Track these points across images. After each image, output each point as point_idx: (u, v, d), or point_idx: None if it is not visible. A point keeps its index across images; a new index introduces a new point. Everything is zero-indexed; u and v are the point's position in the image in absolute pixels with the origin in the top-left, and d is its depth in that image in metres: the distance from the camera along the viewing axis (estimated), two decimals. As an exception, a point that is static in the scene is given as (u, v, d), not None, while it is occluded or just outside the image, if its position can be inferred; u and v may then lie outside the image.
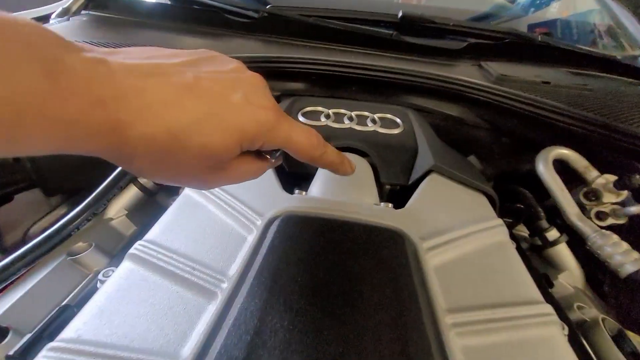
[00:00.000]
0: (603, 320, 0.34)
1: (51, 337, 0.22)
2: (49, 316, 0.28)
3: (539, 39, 0.81)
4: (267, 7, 0.85)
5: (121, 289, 0.24)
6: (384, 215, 0.31)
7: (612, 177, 0.47)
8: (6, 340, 0.27)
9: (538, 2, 1.40)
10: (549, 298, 0.36)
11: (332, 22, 0.77)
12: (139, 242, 0.28)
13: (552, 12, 1.32)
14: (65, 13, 0.98)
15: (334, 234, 0.28)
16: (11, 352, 0.24)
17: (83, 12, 1.00)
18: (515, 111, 0.54)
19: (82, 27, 0.87)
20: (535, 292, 0.27)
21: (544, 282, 0.38)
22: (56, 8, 1.03)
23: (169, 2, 0.98)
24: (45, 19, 1.01)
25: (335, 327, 0.20)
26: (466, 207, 0.35)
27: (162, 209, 0.45)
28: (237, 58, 0.45)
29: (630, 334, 0.32)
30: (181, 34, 0.82)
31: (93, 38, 0.77)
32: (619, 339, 0.31)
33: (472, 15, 1.13)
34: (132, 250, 0.27)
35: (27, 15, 1.01)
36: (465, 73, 0.67)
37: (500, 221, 0.34)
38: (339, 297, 0.22)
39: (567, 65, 0.79)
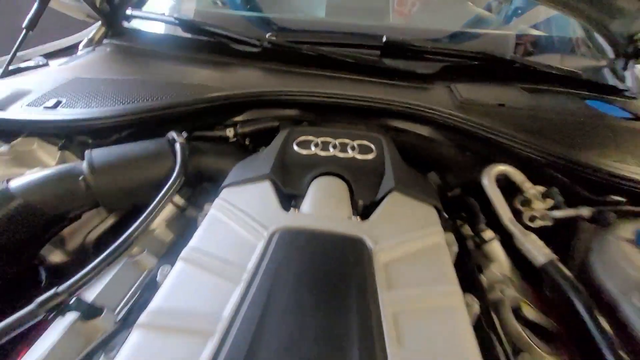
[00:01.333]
0: (514, 299, 0.47)
1: (139, 312, 0.36)
2: (133, 298, 0.43)
3: (509, 58, 0.93)
4: (267, 36, 0.97)
5: (179, 281, 0.38)
6: (351, 227, 0.44)
7: (541, 188, 0.59)
8: (102, 315, 0.41)
9: (519, 11, 1.51)
10: (476, 281, 0.49)
11: (323, 50, 0.89)
12: (186, 248, 0.42)
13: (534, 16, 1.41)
14: (90, 43, 1.11)
15: (316, 242, 0.41)
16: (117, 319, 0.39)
17: (105, 41, 1.12)
18: (470, 133, 0.66)
19: (105, 57, 0.99)
20: (452, 277, 0.40)
21: (476, 270, 0.51)
22: (81, 38, 1.17)
23: (182, 30, 1.10)
24: (74, 47, 1.14)
25: (314, 303, 0.34)
26: (415, 217, 0.48)
27: (191, 220, 0.59)
28: (242, 95, 0.59)
29: (527, 307, 0.45)
30: (192, 63, 0.95)
31: (114, 67, 0.91)
32: (517, 310, 0.44)
33: (455, 31, 1.24)
34: (182, 254, 0.41)
35: (59, 45, 1.14)
36: (436, 96, 0.79)
37: (438, 227, 0.47)
38: (317, 285, 0.36)
39: (532, 82, 0.91)
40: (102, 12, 1.10)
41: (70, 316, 0.41)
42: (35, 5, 0.91)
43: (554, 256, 0.49)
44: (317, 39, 0.98)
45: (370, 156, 0.58)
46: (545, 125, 0.68)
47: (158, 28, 1.26)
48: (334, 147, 0.60)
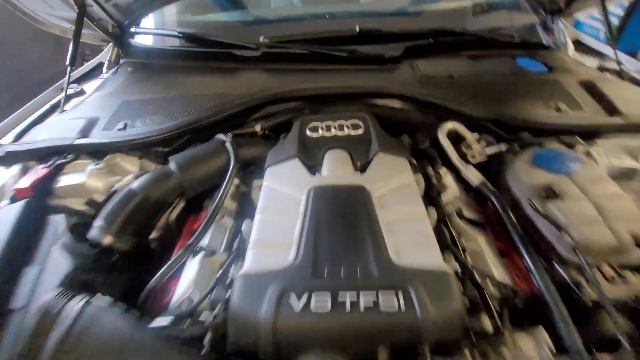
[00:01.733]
0: (458, 207, 0.76)
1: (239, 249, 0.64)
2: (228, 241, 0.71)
3: (458, 30, 1.16)
4: (261, 39, 1.18)
5: (262, 223, 0.65)
6: (354, 179, 0.72)
7: (476, 135, 0.87)
8: (219, 253, 0.69)
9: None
10: (436, 200, 0.78)
11: (310, 48, 1.12)
12: (258, 207, 0.69)
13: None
14: (110, 64, 1.31)
15: (336, 191, 0.69)
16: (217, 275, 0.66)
17: (121, 60, 1.32)
18: (428, 102, 0.92)
19: (132, 78, 1.19)
20: (419, 200, 0.69)
21: (437, 194, 0.80)
22: (96, 61, 1.36)
23: (185, 41, 1.29)
24: (96, 69, 1.34)
25: (340, 221, 0.62)
26: (394, 167, 0.76)
27: (245, 193, 0.85)
28: (263, 97, 0.83)
29: (466, 210, 0.75)
30: (203, 73, 1.17)
31: (146, 86, 1.12)
32: (459, 212, 0.74)
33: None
34: (258, 210, 0.68)
35: (85, 69, 1.33)
36: (402, 75, 1.04)
37: (409, 172, 0.75)
38: (341, 213, 0.64)
39: (478, 49, 1.15)
40: (114, 36, 1.28)
41: (200, 255, 0.69)
42: (72, 45, 1.10)
43: (484, 179, 0.78)
44: (303, 37, 1.20)
45: (360, 131, 0.85)
46: (481, 89, 0.94)
47: (159, 40, 1.44)
48: (335, 128, 0.86)
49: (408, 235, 0.61)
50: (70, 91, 1.18)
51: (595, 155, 0.78)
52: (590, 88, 0.92)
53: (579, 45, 1.25)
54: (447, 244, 0.66)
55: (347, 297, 0.50)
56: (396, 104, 0.99)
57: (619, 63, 1.05)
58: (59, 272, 0.64)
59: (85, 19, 1.13)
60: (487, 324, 0.55)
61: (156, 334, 0.53)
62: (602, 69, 1.09)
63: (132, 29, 1.32)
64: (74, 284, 0.62)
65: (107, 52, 1.33)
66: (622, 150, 0.81)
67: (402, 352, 0.50)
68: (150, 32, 1.38)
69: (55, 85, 1.27)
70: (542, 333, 0.55)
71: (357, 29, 1.17)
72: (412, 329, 0.48)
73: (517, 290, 0.61)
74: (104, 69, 1.29)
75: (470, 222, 0.75)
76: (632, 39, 3.78)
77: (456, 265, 0.62)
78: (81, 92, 1.20)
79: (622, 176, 0.78)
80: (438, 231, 0.68)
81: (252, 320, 0.51)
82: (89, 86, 1.24)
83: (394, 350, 0.50)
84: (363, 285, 0.52)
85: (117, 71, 1.25)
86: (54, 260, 0.66)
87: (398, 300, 0.50)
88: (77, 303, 0.54)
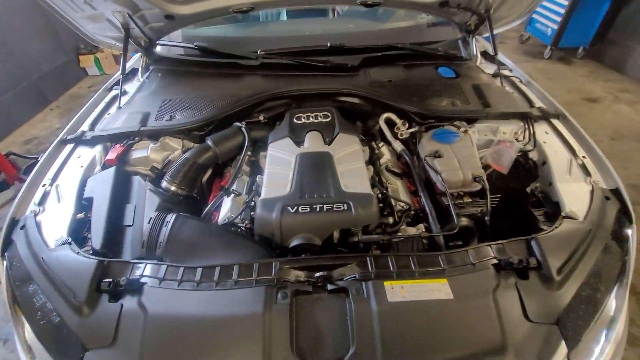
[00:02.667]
0: (387, 164, 1.26)
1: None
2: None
3: (400, 46, 1.63)
4: (259, 51, 1.62)
5: (270, 175, 1.12)
6: (324, 149, 1.19)
7: (405, 122, 1.35)
8: (241, 195, 1.16)
9: None
10: (375, 162, 1.26)
11: (296, 59, 1.57)
12: (266, 167, 1.15)
13: None
14: (143, 70, 1.71)
15: (312, 155, 1.16)
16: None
17: (151, 67, 1.73)
18: (374, 99, 1.39)
19: (165, 82, 1.61)
20: (362, 159, 1.16)
21: (376, 157, 1.28)
22: (129, 67, 1.75)
23: (200, 53, 1.71)
24: (131, 74, 1.74)
25: (315, 170, 1.10)
26: (348, 142, 1.23)
27: (255, 161, 1.32)
28: (266, 96, 1.30)
29: (392, 165, 1.24)
30: (214, 77, 1.60)
31: (178, 88, 1.54)
32: (387, 167, 1.23)
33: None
34: (266, 169, 1.15)
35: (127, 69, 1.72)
36: (359, 80, 1.51)
37: (358, 145, 1.22)
38: (316, 165, 1.12)
39: (411, 60, 1.62)
40: (145, 48, 1.70)
41: (231, 195, 1.16)
42: (122, 57, 1.51)
43: (404, 148, 1.27)
44: (291, 50, 1.64)
45: (328, 119, 1.32)
46: (409, 90, 1.42)
47: (179, 51, 1.85)
48: (312, 117, 1.32)
49: (352, 178, 1.09)
50: (116, 91, 1.59)
51: (470, 133, 1.28)
52: (477, 89, 1.41)
53: (487, 55, 1.74)
54: (376, 183, 1.15)
55: (318, 206, 0.98)
56: (355, 100, 1.46)
57: (498, 72, 1.55)
58: (153, 204, 1.09)
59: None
60: (390, 220, 1.05)
61: (220, 228, 1.00)
62: (495, 74, 1.58)
63: (159, 42, 1.73)
64: (164, 210, 1.08)
65: (139, 61, 1.74)
66: (489, 130, 1.32)
67: (346, 233, 0.98)
68: (171, 44, 1.78)
69: (103, 87, 1.66)
70: (421, 226, 1.06)
71: (329, 44, 1.62)
72: (350, 220, 0.97)
73: (410, 205, 1.10)
74: (139, 74, 1.70)
75: (394, 173, 1.25)
76: (573, 36, 4.37)
77: (379, 193, 1.11)
78: (125, 92, 1.61)
79: (486, 144, 1.29)
80: (373, 178, 1.16)
81: (268, 220, 0.98)
82: (129, 87, 1.65)
83: (342, 232, 0.98)
84: (326, 200, 1.00)
85: (150, 76, 1.67)
86: (148, 198, 1.11)
87: (343, 206, 0.98)
88: (173, 215, 1.00)
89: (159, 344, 0.76)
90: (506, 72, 1.65)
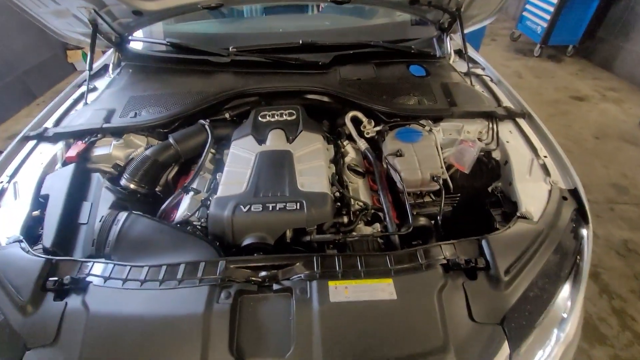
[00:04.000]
0: (350, 163, 1.25)
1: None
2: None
3: (372, 43, 1.62)
4: (230, 49, 1.60)
5: (228, 173, 1.11)
6: (285, 147, 1.18)
7: (371, 121, 1.34)
8: (201, 193, 1.15)
9: None
10: (339, 161, 1.26)
11: (267, 56, 1.55)
12: (226, 165, 1.15)
13: None
14: (114, 66, 1.70)
15: (272, 154, 1.15)
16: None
17: (122, 63, 1.71)
18: (342, 97, 1.38)
19: (134, 78, 1.60)
20: (323, 157, 1.16)
21: (340, 156, 1.28)
22: (102, 63, 1.74)
23: (172, 49, 1.69)
24: (103, 69, 1.72)
25: (273, 169, 1.09)
26: (311, 139, 1.23)
27: (219, 159, 1.31)
28: (233, 93, 1.28)
29: (354, 164, 1.23)
30: (190, 75, 1.58)
31: (147, 85, 1.53)
32: (350, 166, 1.22)
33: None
34: (225, 167, 1.14)
35: (95, 69, 1.71)
36: (329, 78, 1.50)
37: (321, 143, 1.21)
38: (274, 164, 1.11)
39: (382, 58, 1.61)
40: (116, 44, 1.68)
41: (191, 193, 1.15)
42: (89, 53, 1.49)
43: (368, 146, 1.26)
44: (262, 47, 1.63)
45: (293, 117, 1.31)
46: (378, 89, 1.41)
47: (151, 47, 1.83)
48: (277, 115, 1.31)
49: (310, 177, 1.09)
50: (83, 88, 1.58)
51: (435, 132, 1.27)
52: (445, 88, 1.40)
53: (461, 54, 1.73)
54: (335, 182, 1.14)
55: (271, 205, 0.98)
56: (323, 98, 1.45)
57: (469, 70, 1.55)
58: (108, 202, 1.08)
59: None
60: (345, 219, 1.04)
61: (171, 226, 0.99)
62: (467, 73, 1.57)
63: (130, 37, 1.71)
64: (118, 208, 1.07)
65: (111, 56, 1.72)
66: (454, 129, 1.31)
67: (301, 232, 0.98)
68: (144, 40, 1.76)
69: (72, 83, 1.65)
70: (377, 226, 1.05)
71: (300, 42, 1.61)
72: (302, 219, 0.96)
73: (367, 204, 1.10)
74: (110, 70, 1.68)
75: (356, 171, 1.24)
76: (562, 34, 4.36)
77: (336, 192, 1.11)
78: (94, 89, 1.59)
79: (450, 144, 1.29)
80: (333, 177, 1.16)
81: (220, 218, 0.97)
82: (99, 83, 1.63)
83: (296, 231, 0.98)
84: (280, 199, 1.00)
85: (120, 72, 1.65)
86: (103, 196, 1.10)
87: (296, 205, 0.97)
88: (124, 213, 0.99)
89: (99, 343, 0.76)
90: (478, 71, 1.65)
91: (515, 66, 4.46)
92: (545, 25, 4.36)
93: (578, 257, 0.96)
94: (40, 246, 0.99)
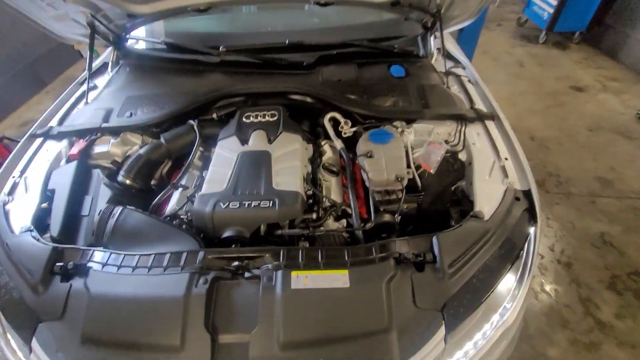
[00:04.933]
0: (327, 163, 1.35)
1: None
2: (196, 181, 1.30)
3: (356, 43, 1.68)
4: (220, 48, 1.68)
5: (212, 172, 1.23)
6: (265, 147, 1.29)
7: (348, 122, 1.43)
8: (188, 189, 1.28)
9: None
10: (317, 161, 1.36)
11: (254, 57, 1.63)
12: (211, 163, 1.26)
13: None
14: (113, 64, 1.80)
15: (252, 154, 1.26)
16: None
17: (121, 61, 1.81)
18: (323, 99, 1.47)
19: (132, 77, 1.70)
20: (300, 158, 1.26)
21: (318, 155, 1.38)
22: (101, 62, 1.85)
23: (167, 48, 1.78)
24: (103, 67, 1.83)
25: (252, 168, 1.20)
26: (290, 140, 1.33)
27: (207, 157, 1.43)
28: (219, 94, 1.38)
29: (329, 164, 1.33)
30: (182, 75, 1.68)
31: (142, 84, 1.63)
32: (325, 165, 1.33)
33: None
34: (210, 165, 1.26)
35: (95, 67, 1.82)
36: (312, 79, 1.58)
37: (299, 143, 1.31)
38: (253, 164, 1.22)
39: (364, 58, 1.68)
40: (114, 43, 1.78)
41: (179, 189, 1.28)
42: (89, 54, 1.60)
43: (343, 146, 1.36)
44: (251, 47, 1.70)
45: (275, 118, 1.41)
46: (357, 90, 1.49)
47: (148, 45, 1.92)
48: (260, 116, 1.42)
49: (284, 176, 1.20)
50: (84, 87, 1.69)
51: (406, 133, 1.36)
52: (421, 90, 1.47)
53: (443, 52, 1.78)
54: (308, 181, 1.25)
55: (247, 202, 1.10)
56: (306, 99, 1.54)
57: (445, 70, 1.61)
58: (105, 196, 1.22)
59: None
60: (314, 216, 1.16)
61: (160, 220, 1.13)
62: (448, 72, 1.63)
63: (127, 36, 1.81)
64: (114, 202, 1.20)
65: (110, 55, 1.82)
66: (425, 130, 1.39)
67: (274, 226, 1.10)
68: (140, 38, 1.86)
69: (74, 82, 1.76)
70: (343, 222, 1.17)
71: (287, 42, 1.68)
72: (273, 215, 1.08)
73: (337, 203, 1.21)
74: (109, 68, 1.79)
75: (330, 171, 1.35)
76: (569, 20, 4.27)
77: (308, 191, 1.22)
78: (95, 87, 1.71)
79: (420, 144, 1.37)
80: (308, 175, 1.27)
81: (202, 213, 1.10)
82: (100, 81, 1.75)
83: (269, 225, 1.10)
84: (255, 197, 1.11)
85: (119, 71, 1.76)
86: (102, 191, 1.24)
87: (269, 203, 1.09)
88: (119, 208, 1.13)
89: (98, 318, 0.91)
90: (459, 71, 1.70)
91: (519, 54, 4.39)
92: (551, 10, 4.25)
93: (522, 252, 1.06)
94: (48, 235, 1.14)
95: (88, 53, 1.60)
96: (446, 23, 1.64)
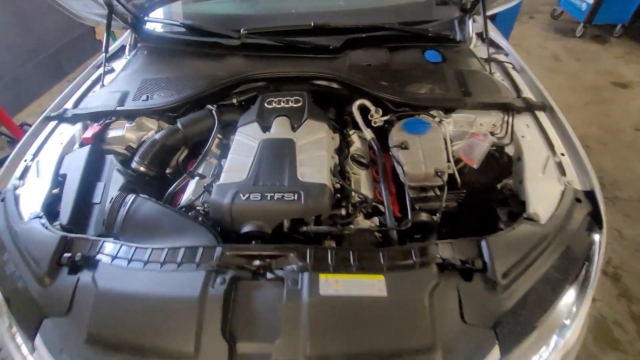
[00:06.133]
0: (354, 154, 1.23)
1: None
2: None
3: (386, 26, 1.54)
4: (242, 31, 1.58)
5: (232, 159, 1.13)
6: (289, 135, 1.17)
7: (378, 110, 1.30)
8: (206, 178, 1.19)
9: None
10: (345, 150, 1.24)
11: (277, 39, 1.52)
12: (230, 151, 1.16)
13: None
14: (131, 47, 1.73)
15: (276, 142, 1.15)
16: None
17: (139, 44, 1.73)
18: (351, 84, 1.34)
19: (148, 60, 1.62)
20: (327, 147, 1.14)
21: (345, 145, 1.26)
22: (119, 44, 1.77)
23: (186, 30, 1.68)
24: (120, 51, 1.76)
25: (276, 156, 1.09)
26: (316, 128, 1.21)
27: (225, 144, 1.33)
28: (240, 79, 1.26)
29: (358, 155, 1.21)
30: (201, 58, 1.58)
31: (159, 67, 1.55)
32: (353, 156, 1.20)
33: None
34: (230, 153, 1.15)
35: (113, 50, 1.74)
36: (339, 63, 1.45)
37: (325, 131, 1.20)
38: (277, 153, 1.11)
39: (396, 41, 1.54)
40: (132, 25, 1.70)
41: (196, 178, 1.18)
42: (105, 35, 1.53)
43: (373, 136, 1.24)
44: (274, 29, 1.59)
45: (299, 104, 1.29)
46: (388, 75, 1.36)
47: (167, 28, 1.84)
48: (283, 102, 1.30)
49: (310, 167, 1.08)
50: (101, 70, 1.62)
51: (445, 123, 1.22)
52: (460, 76, 1.33)
53: (483, 37, 1.62)
54: (336, 174, 1.13)
55: (269, 194, 0.99)
56: (333, 84, 1.42)
57: (489, 56, 1.45)
58: (118, 184, 1.14)
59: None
60: (343, 212, 1.04)
61: (174, 211, 1.03)
62: (488, 59, 1.47)
63: (146, 18, 1.73)
64: (127, 190, 1.12)
65: (127, 37, 1.75)
66: (466, 121, 1.25)
67: (298, 222, 0.99)
68: (158, 21, 1.77)
69: (92, 64, 1.70)
70: (375, 220, 1.04)
71: (312, 24, 1.56)
72: (299, 210, 0.97)
73: (368, 199, 1.09)
74: (126, 51, 1.72)
75: (359, 162, 1.22)
76: (610, 12, 3.97)
77: (336, 184, 1.10)
78: (112, 70, 1.64)
79: (460, 136, 1.23)
80: (335, 167, 1.15)
81: (220, 205, 1.00)
82: (117, 64, 1.68)
83: (294, 221, 0.99)
84: (278, 189, 1.00)
85: (136, 54, 1.68)
86: (114, 178, 1.16)
87: (294, 195, 0.98)
88: (132, 196, 1.04)
89: (105, 317, 0.82)
90: (501, 57, 1.54)
91: (554, 47, 4.12)
92: (591, 1, 3.96)
93: (587, 263, 0.92)
94: (58, 222, 1.07)
95: (105, 34, 1.52)
96: (489, 5, 1.48)
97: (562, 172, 1.07)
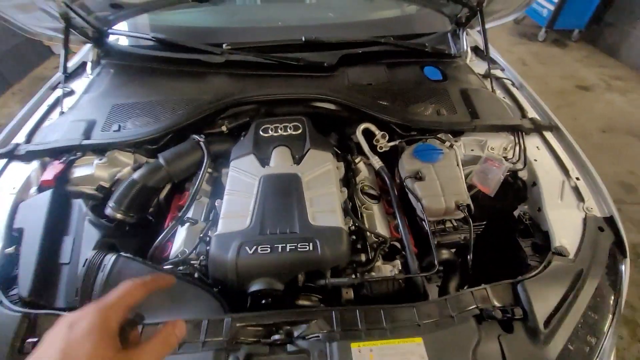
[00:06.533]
0: (361, 184, 1.13)
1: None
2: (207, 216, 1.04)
3: (383, 41, 1.45)
4: (224, 46, 1.42)
5: (229, 201, 0.98)
6: (291, 169, 1.05)
7: (385, 135, 1.20)
8: (199, 223, 1.03)
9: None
10: (351, 181, 1.13)
11: (265, 56, 1.38)
12: (225, 190, 1.01)
13: None
14: (93, 64, 1.51)
15: (278, 178, 1.02)
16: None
17: (102, 61, 1.52)
18: (351, 106, 1.24)
19: (116, 81, 1.41)
20: (334, 181, 1.03)
21: (352, 175, 1.15)
22: (78, 60, 1.55)
23: (159, 45, 1.50)
24: (80, 68, 1.53)
25: (280, 197, 0.96)
26: (320, 159, 1.09)
27: (216, 178, 1.17)
28: (228, 102, 1.10)
29: (367, 187, 1.11)
30: (174, 76, 1.40)
31: (130, 90, 1.35)
32: (362, 189, 1.10)
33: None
34: (225, 192, 1.00)
35: (71, 69, 1.51)
36: (336, 82, 1.34)
37: (330, 163, 1.08)
38: (280, 192, 0.98)
39: (394, 57, 1.45)
40: (94, 39, 1.48)
41: (186, 224, 1.02)
42: (63, 52, 1.30)
43: (382, 164, 1.14)
44: (260, 44, 1.45)
45: (299, 131, 1.16)
46: (391, 96, 1.27)
47: (135, 42, 1.62)
48: (280, 129, 1.17)
49: (321, 206, 0.96)
50: (58, 92, 1.40)
51: (456, 148, 1.15)
52: (465, 95, 1.27)
53: (478, 51, 1.59)
54: (349, 211, 1.02)
55: (280, 245, 0.86)
56: (330, 106, 1.30)
57: (489, 72, 1.41)
58: (91, 238, 0.95)
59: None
60: (362, 257, 0.93)
61: (168, 273, 0.87)
62: (486, 74, 1.43)
63: (110, 31, 1.51)
64: (104, 247, 0.94)
65: (89, 53, 1.52)
66: (476, 144, 1.19)
67: (313, 276, 0.87)
68: (125, 34, 1.56)
69: (46, 85, 1.46)
70: (397, 263, 0.95)
71: (303, 39, 1.43)
72: (316, 261, 0.85)
73: (386, 238, 0.99)
74: (88, 69, 1.49)
75: (370, 195, 1.12)
76: (569, 18, 4.19)
77: (351, 225, 0.99)
78: (71, 92, 1.41)
79: (472, 161, 1.17)
80: (346, 203, 1.04)
81: (223, 261, 0.85)
82: (77, 85, 1.45)
83: (308, 275, 0.87)
84: (289, 238, 0.88)
85: (101, 72, 1.47)
86: (86, 231, 0.97)
87: (308, 245, 0.86)
88: (111, 257, 0.86)
89: None
90: (498, 73, 1.51)
91: (520, 52, 4.29)
92: (552, 7, 4.16)
93: (619, 298, 0.88)
94: (15, 291, 0.87)
95: (62, 52, 1.30)
96: (486, 18, 1.44)
97: (580, 197, 1.03)
